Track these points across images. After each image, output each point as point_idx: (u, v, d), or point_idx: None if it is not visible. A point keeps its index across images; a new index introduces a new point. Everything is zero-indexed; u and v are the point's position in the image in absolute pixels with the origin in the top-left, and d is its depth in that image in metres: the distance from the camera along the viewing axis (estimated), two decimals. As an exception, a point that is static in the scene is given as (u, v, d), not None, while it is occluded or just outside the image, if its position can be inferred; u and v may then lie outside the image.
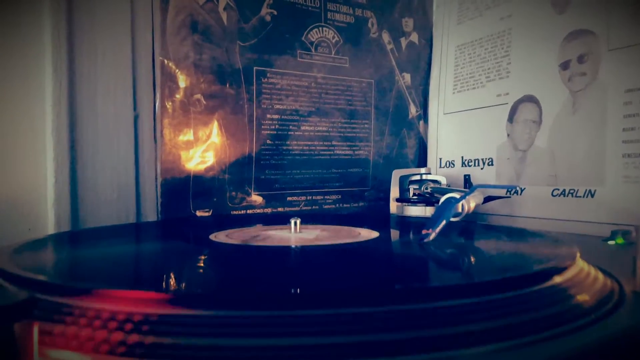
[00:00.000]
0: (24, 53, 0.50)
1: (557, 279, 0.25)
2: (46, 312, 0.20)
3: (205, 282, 0.28)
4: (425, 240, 0.36)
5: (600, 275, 0.29)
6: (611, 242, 0.44)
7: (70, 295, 0.21)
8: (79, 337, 0.19)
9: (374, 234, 0.42)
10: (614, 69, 0.52)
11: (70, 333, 0.19)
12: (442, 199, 0.41)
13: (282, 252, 0.36)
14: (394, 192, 0.66)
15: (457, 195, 0.41)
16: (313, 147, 0.67)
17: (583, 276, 0.27)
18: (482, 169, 0.66)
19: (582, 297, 0.25)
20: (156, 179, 0.56)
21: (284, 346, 0.18)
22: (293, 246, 0.38)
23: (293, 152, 0.65)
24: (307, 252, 0.36)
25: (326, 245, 0.37)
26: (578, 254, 0.30)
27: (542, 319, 0.21)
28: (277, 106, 0.63)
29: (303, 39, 0.65)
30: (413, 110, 0.76)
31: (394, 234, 0.49)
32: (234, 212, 0.60)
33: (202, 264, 0.33)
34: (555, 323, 0.21)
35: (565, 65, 0.57)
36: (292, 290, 0.22)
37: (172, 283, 0.27)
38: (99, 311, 0.20)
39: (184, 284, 0.27)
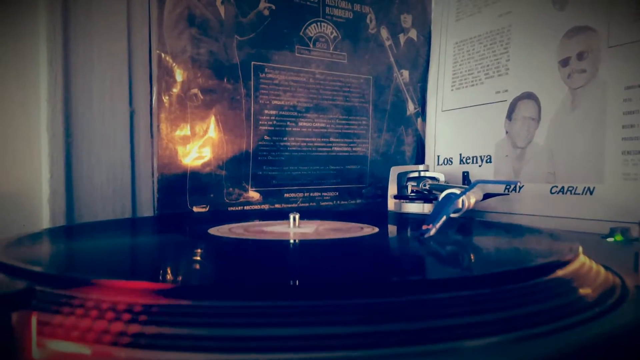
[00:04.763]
0: (19, 47, 0.49)
1: (560, 272, 0.25)
2: (45, 303, 0.20)
3: (205, 273, 0.28)
4: (426, 235, 0.36)
5: (602, 270, 0.28)
6: (610, 240, 0.44)
7: (69, 286, 0.21)
8: (78, 327, 0.18)
9: (375, 229, 0.42)
10: (614, 66, 0.52)
11: (69, 323, 0.19)
12: (442, 194, 0.41)
13: (282, 245, 0.36)
14: (392, 189, 0.65)
15: (457, 191, 0.40)
16: (311, 144, 0.66)
17: (585, 270, 0.27)
18: (480, 166, 0.66)
19: (585, 291, 0.24)
20: (153, 174, 0.56)
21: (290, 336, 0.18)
22: (292, 240, 0.38)
23: (290, 149, 0.65)
24: (307, 246, 0.36)
25: (327, 240, 0.37)
26: (580, 249, 0.30)
27: (545, 311, 0.21)
28: (275, 102, 0.63)
29: (301, 34, 0.65)
30: (411, 107, 0.76)
31: (397, 230, 0.48)
32: (231, 209, 0.60)
33: (200, 257, 0.33)
34: (558, 316, 0.21)
35: (564, 62, 0.57)
36: (291, 282, 0.22)
37: (171, 274, 0.26)
38: (98, 302, 0.19)
39: (183, 275, 0.27)
